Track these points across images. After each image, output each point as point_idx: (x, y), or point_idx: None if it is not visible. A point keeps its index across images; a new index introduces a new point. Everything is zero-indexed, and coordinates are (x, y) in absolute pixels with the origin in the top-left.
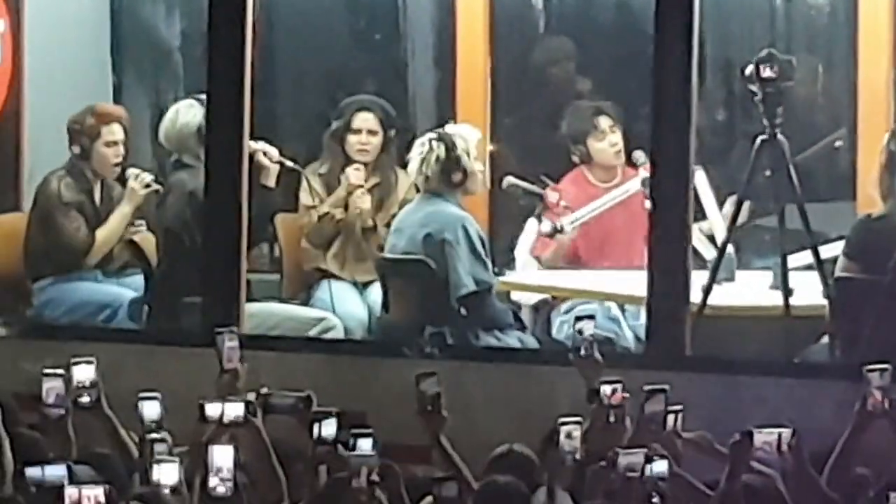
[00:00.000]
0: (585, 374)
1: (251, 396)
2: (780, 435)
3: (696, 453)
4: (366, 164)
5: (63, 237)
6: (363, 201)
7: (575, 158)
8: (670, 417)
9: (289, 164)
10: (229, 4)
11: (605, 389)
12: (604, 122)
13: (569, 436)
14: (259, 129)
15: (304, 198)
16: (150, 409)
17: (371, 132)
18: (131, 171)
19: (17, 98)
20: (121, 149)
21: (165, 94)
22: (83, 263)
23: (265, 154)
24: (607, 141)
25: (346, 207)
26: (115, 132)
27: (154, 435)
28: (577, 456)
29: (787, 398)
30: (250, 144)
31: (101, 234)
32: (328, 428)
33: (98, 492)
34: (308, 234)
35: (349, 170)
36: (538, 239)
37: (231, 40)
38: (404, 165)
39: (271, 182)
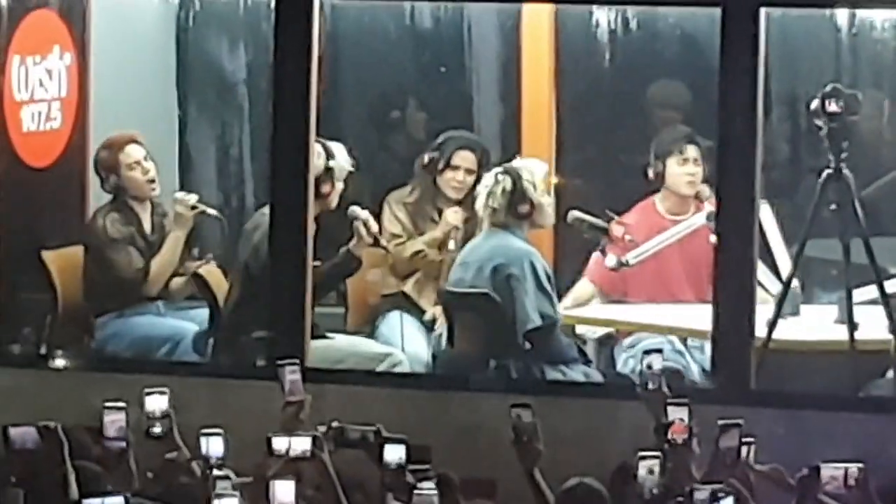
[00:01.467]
0: (653, 408)
1: (321, 429)
2: (846, 470)
3: (769, 486)
4: (458, 203)
5: (116, 272)
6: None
7: (650, 174)
8: (743, 450)
9: (383, 242)
10: (295, 37)
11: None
12: (691, 150)
13: (650, 471)
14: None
15: (390, 226)
16: (214, 446)
17: (469, 171)
18: (176, 196)
19: (83, 131)
20: (147, 164)
21: (230, 128)
22: (142, 295)
23: (366, 224)
24: (686, 168)
25: (439, 247)
26: (133, 153)
27: (217, 472)
28: (655, 491)
29: (852, 433)
30: (355, 210)
31: (156, 262)
32: (396, 453)
33: None
34: (393, 265)
35: (448, 211)
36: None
37: (297, 73)
38: None
39: (359, 251)
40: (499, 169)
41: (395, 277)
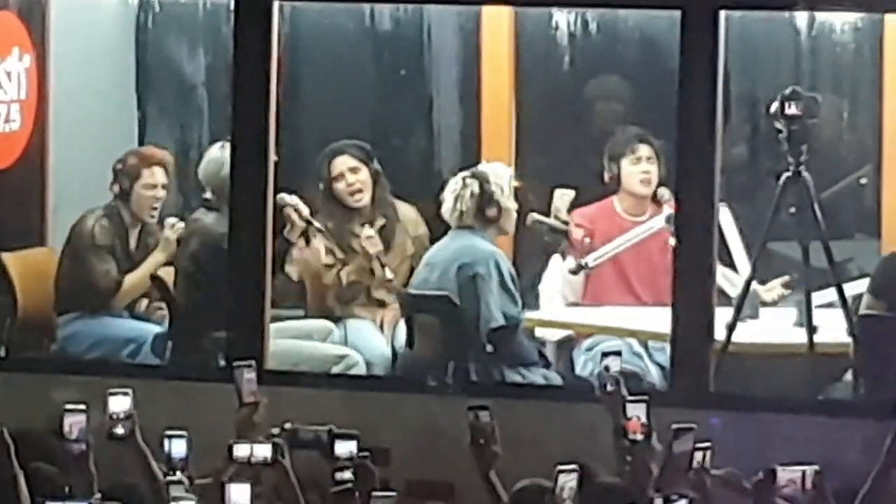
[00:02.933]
0: (612, 410)
1: (275, 431)
2: (804, 472)
3: (725, 491)
4: (362, 209)
5: (91, 277)
6: (374, 246)
7: (606, 177)
8: (698, 454)
9: (316, 224)
10: (254, 40)
11: (627, 420)
12: (644, 149)
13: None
14: (284, 165)
15: (323, 257)
16: (177, 447)
17: (353, 170)
18: (168, 221)
19: (42, 133)
20: (160, 192)
21: (190, 130)
22: (109, 305)
23: (296, 210)
24: (640, 167)
25: (371, 272)
26: (157, 175)
27: (171, 478)
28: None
29: (810, 435)
30: (283, 197)
31: (130, 279)
32: (347, 447)
33: None
34: (337, 295)
35: (362, 239)
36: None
37: (256, 76)
38: (398, 196)
39: (294, 238)
40: (466, 173)
41: (341, 304)
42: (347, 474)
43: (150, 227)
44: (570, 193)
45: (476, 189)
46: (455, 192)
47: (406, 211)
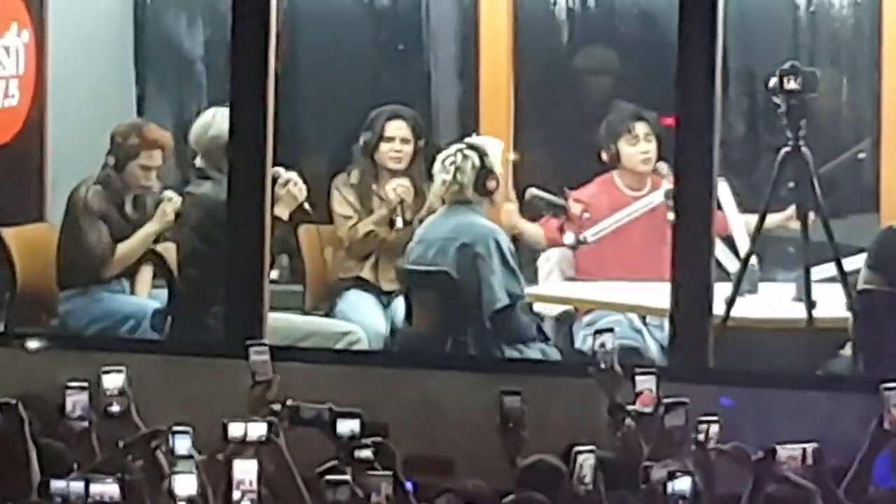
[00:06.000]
0: (606, 387)
1: (276, 408)
2: (804, 450)
3: (730, 466)
4: (399, 173)
5: (84, 245)
6: (405, 192)
7: (604, 157)
8: (703, 427)
9: (307, 206)
10: (252, 15)
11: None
12: (640, 127)
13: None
14: (282, 139)
15: (339, 208)
16: (182, 443)
17: (404, 140)
18: (166, 194)
19: (41, 109)
20: (153, 174)
21: (189, 105)
22: (101, 275)
23: (295, 185)
24: (639, 147)
25: (390, 223)
26: (155, 158)
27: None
28: (591, 487)
29: (809, 410)
30: (280, 171)
31: (122, 248)
32: (349, 426)
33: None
34: (350, 247)
35: (389, 185)
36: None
37: (254, 51)
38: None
39: (285, 215)
40: (461, 145)
41: (352, 260)
42: (367, 453)
43: (143, 198)
44: (501, 144)
45: (477, 161)
46: (455, 164)
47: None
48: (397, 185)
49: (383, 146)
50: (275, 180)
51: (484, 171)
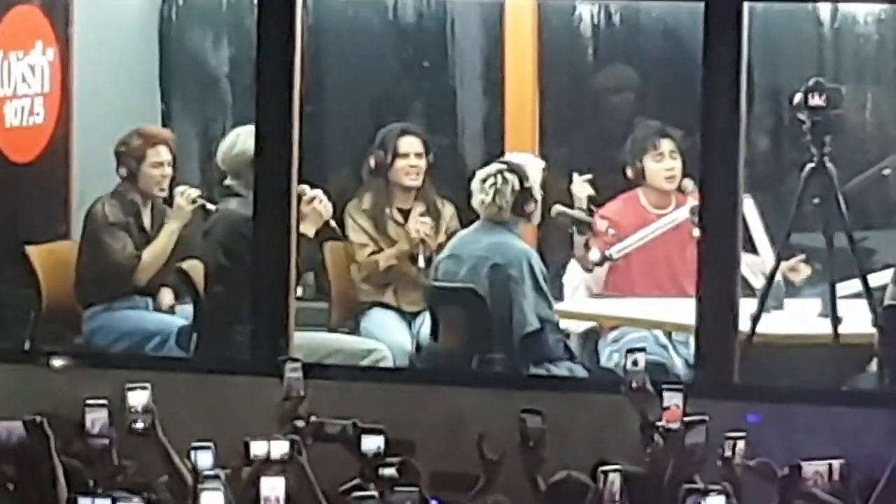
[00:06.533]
0: (639, 406)
1: (301, 424)
2: (830, 466)
3: (756, 482)
4: (409, 192)
5: (109, 257)
6: (425, 228)
7: (629, 174)
8: (729, 443)
9: (333, 223)
10: (277, 32)
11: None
12: (665, 144)
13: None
14: (307, 157)
15: (355, 236)
16: (204, 459)
17: (418, 155)
18: (178, 189)
19: (66, 127)
20: (167, 170)
21: (213, 122)
22: (131, 284)
23: (321, 203)
24: (664, 164)
25: (411, 259)
26: (162, 153)
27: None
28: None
29: (835, 426)
30: (305, 188)
31: (149, 252)
32: (374, 443)
33: None
34: (368, 276)
35: (412, 221)
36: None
37: (279, 68)
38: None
39: (311, 232)
40: (501, 165)
41: (372, 287)
42: (391, 471)
43: (160, 203)
44: (541, 164)
45: (517, 184)
46: (495, 186)
47: (448, 209)
48: (419, 223)
49: (398, 163)
50: (300, 198)
51: (524, 195)
